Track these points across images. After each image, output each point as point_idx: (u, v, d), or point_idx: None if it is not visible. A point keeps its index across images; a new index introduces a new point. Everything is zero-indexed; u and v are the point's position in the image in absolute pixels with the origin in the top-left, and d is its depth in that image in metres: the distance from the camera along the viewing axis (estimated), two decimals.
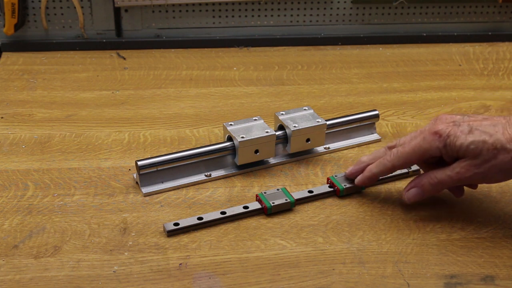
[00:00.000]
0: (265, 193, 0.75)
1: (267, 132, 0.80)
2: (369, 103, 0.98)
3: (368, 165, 0.75)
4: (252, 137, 0.79)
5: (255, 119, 0.82)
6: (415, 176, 0.74)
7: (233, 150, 0.80)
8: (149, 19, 1.14)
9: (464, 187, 0.75)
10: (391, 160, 0.72)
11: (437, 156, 0.70)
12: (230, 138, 0.81)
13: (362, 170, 0.76)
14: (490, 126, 0.67)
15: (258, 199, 0.75)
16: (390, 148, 0.74)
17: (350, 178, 0.77)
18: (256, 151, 0.80)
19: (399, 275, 0.66)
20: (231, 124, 0.81)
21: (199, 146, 0.82)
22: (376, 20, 1.18)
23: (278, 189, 0.76)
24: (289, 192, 0.75)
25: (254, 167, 0.82)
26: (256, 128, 0.81)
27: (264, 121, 0.82)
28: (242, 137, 0.79)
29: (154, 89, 1.01)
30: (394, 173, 0.80)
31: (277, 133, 0.82)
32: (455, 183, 0.70)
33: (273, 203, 0.74)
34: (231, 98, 0.99)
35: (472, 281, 0.65)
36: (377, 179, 0.76)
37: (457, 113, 0.71)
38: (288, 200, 0.74)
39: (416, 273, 0.66)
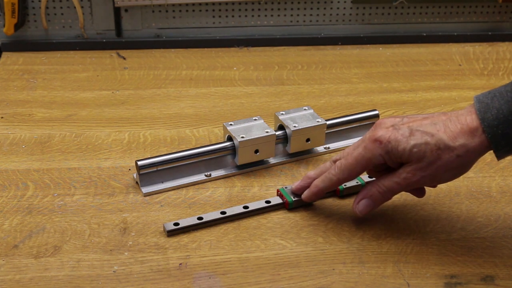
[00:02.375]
0: (286, 188, 0.76)
1: (267, 132, 0.80)
2: (369, 103, 0.98)
3: (315, 179, 0.73)
4: (252, 137, 0.79)
5: (255, 119, 0.82)
6: (363, 187, 0.71)
7: (233, 150, 0.80)
8: (149, 19, 1.14)
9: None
10: (336, 174, 0.70)
11: (382, 163, 0.67)
12: (230, 138, 0.81)
13: (308, 185, 0.74)
14: (430, 125, 0.65)
15: (279, 194, 0.75)
16: (335, 161, 0.71)
17: (297, 194, 0.75)
18: (256, 151, 0.80)
19: (399, 275, 0.66)
20: (231, 124, 0.81)
21: (199, 146, 0.82)
22: (376, 20, 1.18)
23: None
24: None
25: (254, 167, 0.82)
26: (256, 128, 0.81)
27: (264, 121, 0.82)
28: (242, 137, 0.79)
29: (154, 89, 1.01)
30: None
31: (277, 133, 0.82)
32: (404, 188, 0.68)
33: (294, 198, 0.74)
34: (231, 98, 0.99)
35: (472, 281, 0.65)
36: (323, 194, 0.73)
37: (397, 116, 0.69)
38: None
39: (416, 273, 0.66)
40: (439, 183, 0.69)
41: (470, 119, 0.63)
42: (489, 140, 0.62)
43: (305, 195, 0.74)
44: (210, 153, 0.80)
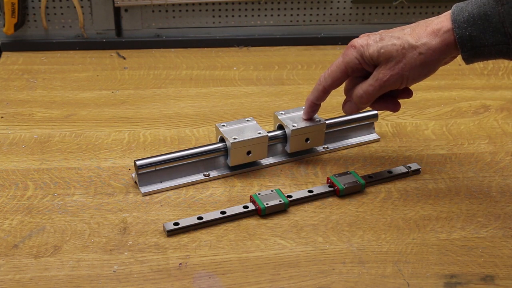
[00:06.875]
0: (259, 194, 0.75)
1: (259, 133, 0.80)
2: None
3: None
4: (244, 139, 0.79)
5: (248, 120, 0.82)
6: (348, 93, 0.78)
7: (225, 151, 0.80)
8: (149, 19, 1.14)
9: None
10: (321, 83, 0.78)
11: (359, 67, 0.74)
12: (222, 139, 0.80)
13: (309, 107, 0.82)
14: (399, 31, 0.72)
15: (252, 200, 0.75)
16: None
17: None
18: (249, 153, 0.80)
19: (399, 275, 0.66)
20: (223, 125, 0.81)
21: (198, 146, 0.82)
22: (376, 20, 1.18)
23: (272, 190, 0.76)
24: (283, 193, 0.75)
25: (253, 166, 0.82)
26: (249, 129, 0.80)
27: (256, 122, 0.82)
28: (235, 138, 0.79)
29: (154, 89, 1.01)
30: (394, 173, 0.80)
31: (276, 132, 0.82)
32: (378, 90, 0.73)
33: (267, 204, 0.74)
34: (231, 98, 0.99)
35: (472, 281, 0.65)
36: (316, 105, 0.81)
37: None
38: (282, 201, 0.74)
39: (416, 273, 0.66)
40: (409, 83, 0.73)
41: (437, 22, 0.70)
42: (456, 40, 0.68)
43: (303, 114, 0.82)
44: (208, 153, 0.80)
